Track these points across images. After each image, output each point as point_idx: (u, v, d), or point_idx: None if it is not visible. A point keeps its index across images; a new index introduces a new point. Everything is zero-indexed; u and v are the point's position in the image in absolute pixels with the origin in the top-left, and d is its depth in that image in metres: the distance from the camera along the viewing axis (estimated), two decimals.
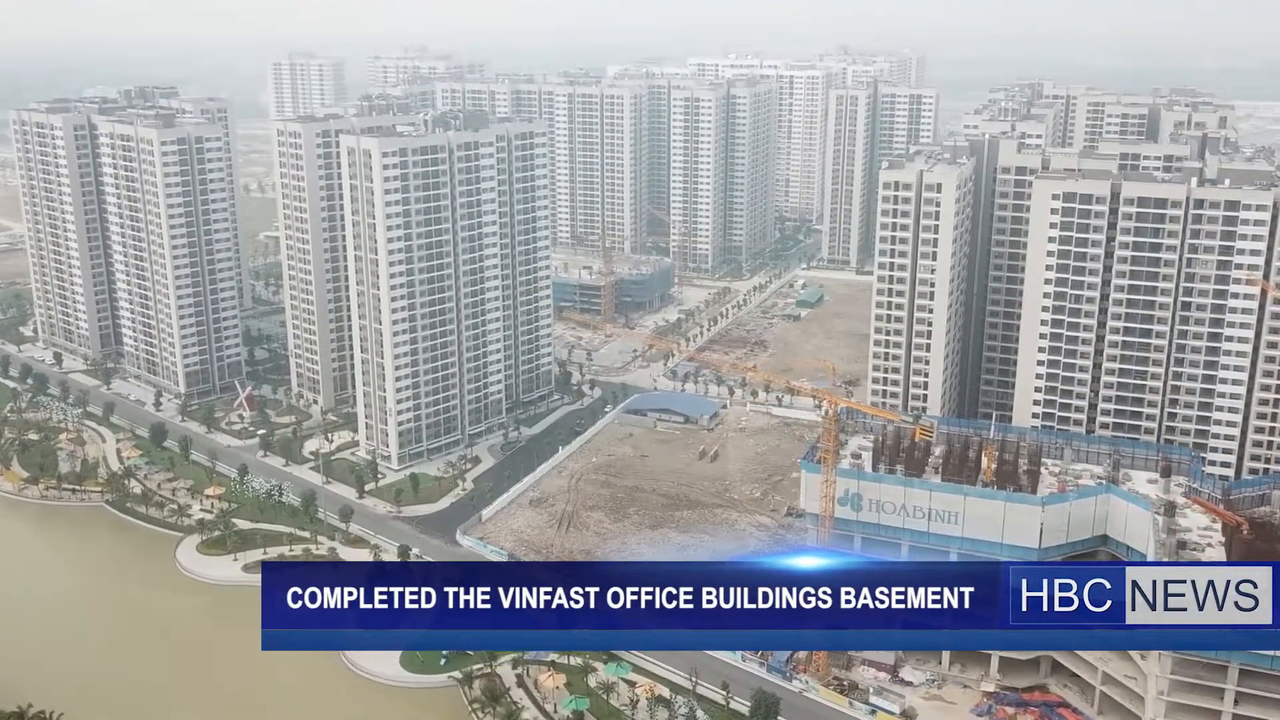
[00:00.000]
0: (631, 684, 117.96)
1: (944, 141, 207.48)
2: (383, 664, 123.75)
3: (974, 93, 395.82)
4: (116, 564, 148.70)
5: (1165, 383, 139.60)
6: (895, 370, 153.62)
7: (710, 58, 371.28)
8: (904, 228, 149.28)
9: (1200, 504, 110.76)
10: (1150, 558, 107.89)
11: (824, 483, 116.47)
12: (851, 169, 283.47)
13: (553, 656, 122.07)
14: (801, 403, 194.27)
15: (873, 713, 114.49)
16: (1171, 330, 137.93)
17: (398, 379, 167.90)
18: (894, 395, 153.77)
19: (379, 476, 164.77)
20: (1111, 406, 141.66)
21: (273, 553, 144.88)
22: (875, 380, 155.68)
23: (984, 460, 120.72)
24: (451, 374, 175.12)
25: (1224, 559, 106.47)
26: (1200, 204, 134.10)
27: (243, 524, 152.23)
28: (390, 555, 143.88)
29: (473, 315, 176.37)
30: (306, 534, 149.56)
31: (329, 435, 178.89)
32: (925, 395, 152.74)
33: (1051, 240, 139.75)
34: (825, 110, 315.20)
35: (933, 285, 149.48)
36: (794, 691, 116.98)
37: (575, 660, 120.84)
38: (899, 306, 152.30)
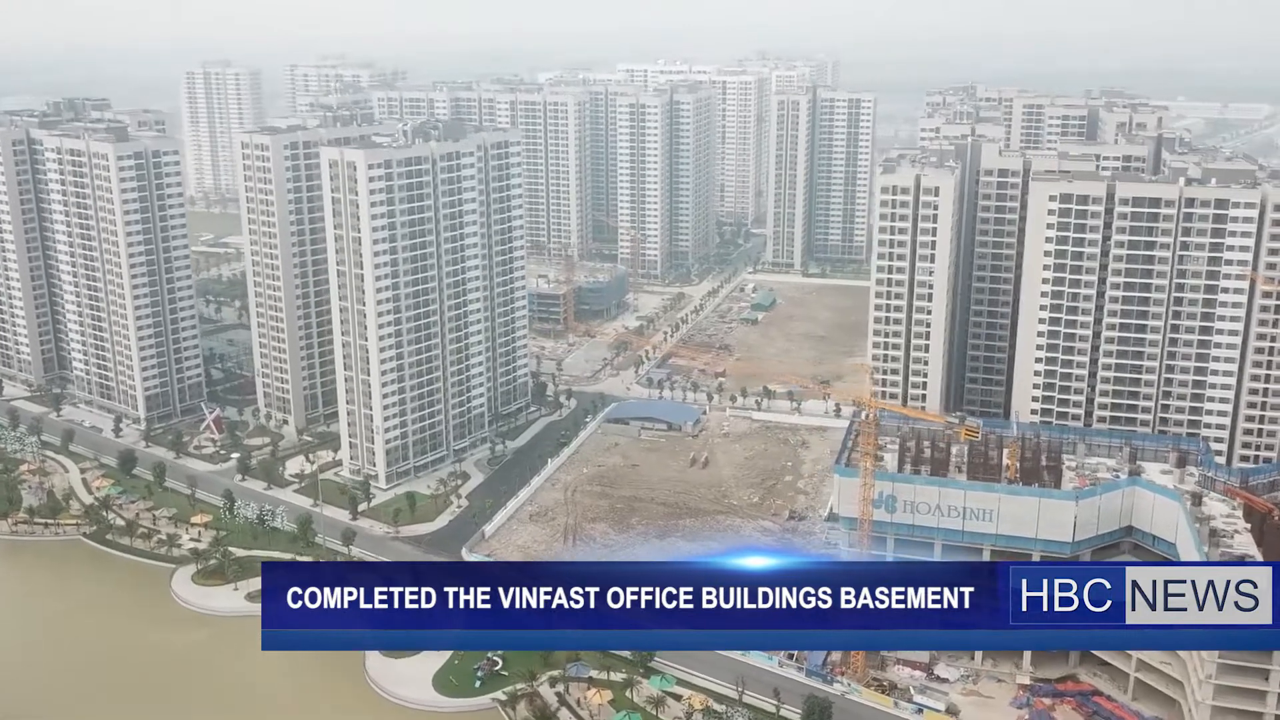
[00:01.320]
0: (677, 697, 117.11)
1: (917, 145, 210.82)
2: (414, 688, 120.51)
3: (890, 95, 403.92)
4: (109, 600, 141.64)
5: (1159, 376, 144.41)
6: (895, 371, 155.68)
7: (639, 63, 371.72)
8: (902, 230, 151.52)
9: (1232, 492, 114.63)
10: (1184, 545, 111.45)
11: (862, 486, 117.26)
12: (794, 173, 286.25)
13: (592, 672, 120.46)
14: (779, 405, 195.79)
15: (919, 711, 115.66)
16: (1165, 325, 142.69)
17: (385, 396, 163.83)
18: (893, 395, 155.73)
19: (370, 497, 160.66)
20: (1109, 400, 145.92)
21: None
22: (875, 380, 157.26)
23: (1006, 458, 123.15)
24: (436, 389, 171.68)
25: (1253, 545, 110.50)
26: (1191, 203, 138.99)
27: (237, 551, 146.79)
28: None
29: (455, 328, 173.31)
30: (308, 558, 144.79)
31: (310, 456, 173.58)
32: (924, 395, 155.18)
33: (1049, 240, 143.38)
34: (762, 114, 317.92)
35: (930, 286, 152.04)
36: (837, 695, 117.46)
37: (616, 675, 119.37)
38: (898, 308, 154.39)
